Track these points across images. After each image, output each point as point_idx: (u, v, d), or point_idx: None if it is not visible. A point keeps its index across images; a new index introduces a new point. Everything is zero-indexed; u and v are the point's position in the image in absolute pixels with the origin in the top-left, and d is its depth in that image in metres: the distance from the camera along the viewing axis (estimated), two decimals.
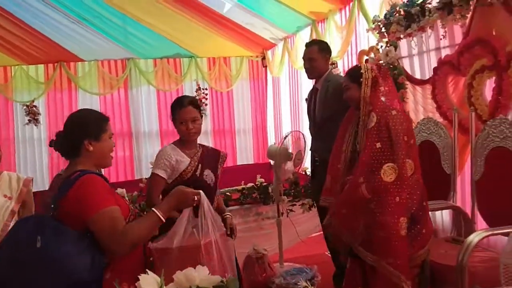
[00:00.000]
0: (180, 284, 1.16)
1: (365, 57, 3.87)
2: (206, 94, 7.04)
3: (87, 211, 1.47)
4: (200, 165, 2.20)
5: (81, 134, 1.59)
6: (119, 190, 3.13)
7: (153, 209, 1.56)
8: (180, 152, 2.20)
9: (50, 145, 1.68)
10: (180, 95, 7.08)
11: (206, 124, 7.18)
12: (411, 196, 2.03)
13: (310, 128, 2.99)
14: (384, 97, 2.12)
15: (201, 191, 1.65)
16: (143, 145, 6.89)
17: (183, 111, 2.15)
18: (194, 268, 1.22)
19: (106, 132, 1.64)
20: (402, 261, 1.95)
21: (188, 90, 7.07)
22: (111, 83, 6.68)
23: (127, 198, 3.10)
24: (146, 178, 3.39)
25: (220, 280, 1.20)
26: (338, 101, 2.64)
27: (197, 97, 6.95)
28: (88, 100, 6.63)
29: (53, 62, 6.35)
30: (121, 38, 6.04)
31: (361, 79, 2.14)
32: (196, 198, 1.61)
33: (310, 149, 3.01)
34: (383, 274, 1.98)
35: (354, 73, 2.23)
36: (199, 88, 6.96)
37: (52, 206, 1.52)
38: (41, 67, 6.38)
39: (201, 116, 2.22)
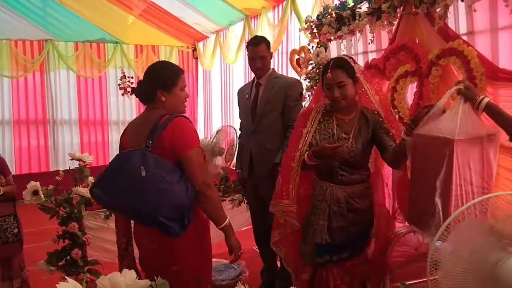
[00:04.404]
0: None
1: (296, 56, 3.95)
2: (132, 83, 6.72)
3: (183, 148, 1.71)
4: None
5: (154, 85, 1.80)
6: (32, 183, 2.84)
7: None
8: None
9: (132, 92, 1.91)
10: (103, 82, 6.74)
11: (132, 115, 6.88)
12: None
13: (246, 123, 2.93)
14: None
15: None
16: (60, 134, 6.42)
17: None
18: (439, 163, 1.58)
19: (177, 85, 1.81)
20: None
21: (113, 77, 6.74)
22: (25, 65, 6.14)
23: (41, 192, 2.82)
24: (63, 171, 3.09)
25: (149, 285, 1.12)
26: (280, 98, 2.76)
27: (122, 86, 6.63)
28: None
29: None
30: (38, 19, 5.56)
31: (356, 75, 2.02)
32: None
33: (243, 145, 2.97)
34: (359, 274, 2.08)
35: (349, 68, 2.00)
36: (124, 76, 6.63)
37: (148, 143, 1.71)
38: None
39: None
